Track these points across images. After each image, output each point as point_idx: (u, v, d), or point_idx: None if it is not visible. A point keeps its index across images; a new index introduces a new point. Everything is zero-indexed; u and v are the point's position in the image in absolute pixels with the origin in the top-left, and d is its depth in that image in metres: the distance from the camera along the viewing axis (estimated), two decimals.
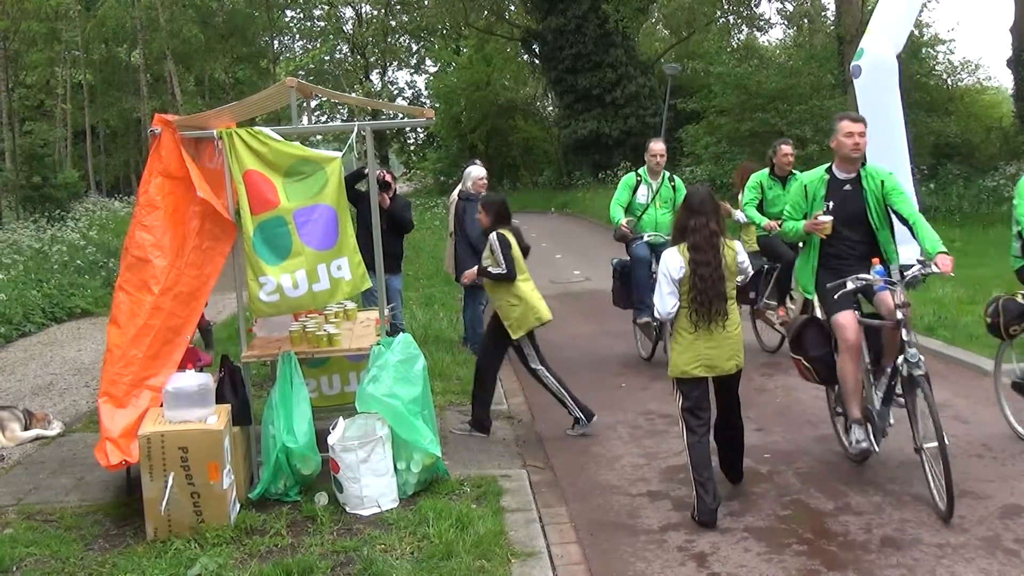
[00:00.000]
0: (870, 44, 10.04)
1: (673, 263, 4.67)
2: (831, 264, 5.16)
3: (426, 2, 37.94)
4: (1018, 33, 18.49)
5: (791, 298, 7.91)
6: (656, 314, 4.92)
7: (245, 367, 5.34)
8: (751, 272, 5.41)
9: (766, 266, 7.96)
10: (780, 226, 5.58)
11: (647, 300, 6.95)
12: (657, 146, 8.00)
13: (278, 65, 36.11)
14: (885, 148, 9.86)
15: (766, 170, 8.00)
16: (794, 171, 7.83)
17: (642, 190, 7.91)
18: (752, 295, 7.76)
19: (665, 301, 4.69)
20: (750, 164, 9.19)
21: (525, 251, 6.23)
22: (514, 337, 5.97)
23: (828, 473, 5.26)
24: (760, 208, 7.85)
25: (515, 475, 5.34)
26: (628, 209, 7.93)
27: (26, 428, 6.33)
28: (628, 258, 7.92)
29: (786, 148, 7.95)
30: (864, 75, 10.02)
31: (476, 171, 8.61)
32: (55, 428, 6.47)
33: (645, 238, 7.76)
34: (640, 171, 8.05)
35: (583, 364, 8.27)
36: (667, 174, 8.03)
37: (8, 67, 22.23)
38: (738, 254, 4.82)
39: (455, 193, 8.88)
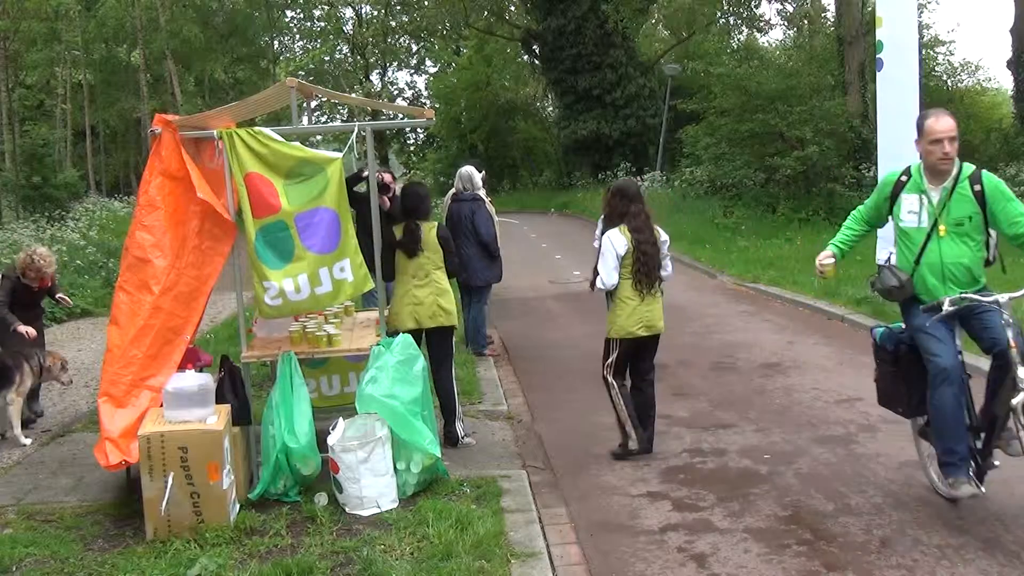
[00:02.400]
0: (886, 35, 9.99)
1: (619, 241, 5.50)
2: None
3: (426, 2, 37.96)
4: (1018, 34, 18.49)
5: None
6: (600, 284, 5.56)
7: (245, 367, 5.34)
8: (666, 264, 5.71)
9: None
10: None
11: (960, 438, 4.34)
12: (941, 124, 4.34)
13: (278, 65, 36.10)
14: (897, 146, 9.86)
15: None
16: None
17: (909, 203, 4.47)
18: None
19: (612, 275, 5.52)
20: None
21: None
22: None
23: (828, 474, 5.25)
24: None
25: (515, 475, 5.33)
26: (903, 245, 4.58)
27: (40, 376, 6.51)
28: (901, 327, 4.70)
29: None
30: (886, 68, 9.98)
31: (473, 172, 8.46)
32: (66, 379, 6.80)
33: (945, 305, 4.27)
34: (912, 168, 4.56)
35: (583, 364, 8.26)
36: (968, 171, 4.41)
37: (8, 67, 22.21)
38: (660, 233, 5.67)
39: (449, 194, 8.79)
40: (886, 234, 9.44)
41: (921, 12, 22.84)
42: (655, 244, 5.58)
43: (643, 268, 5.51)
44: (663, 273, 5.68)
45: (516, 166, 41.23)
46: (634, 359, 5.69)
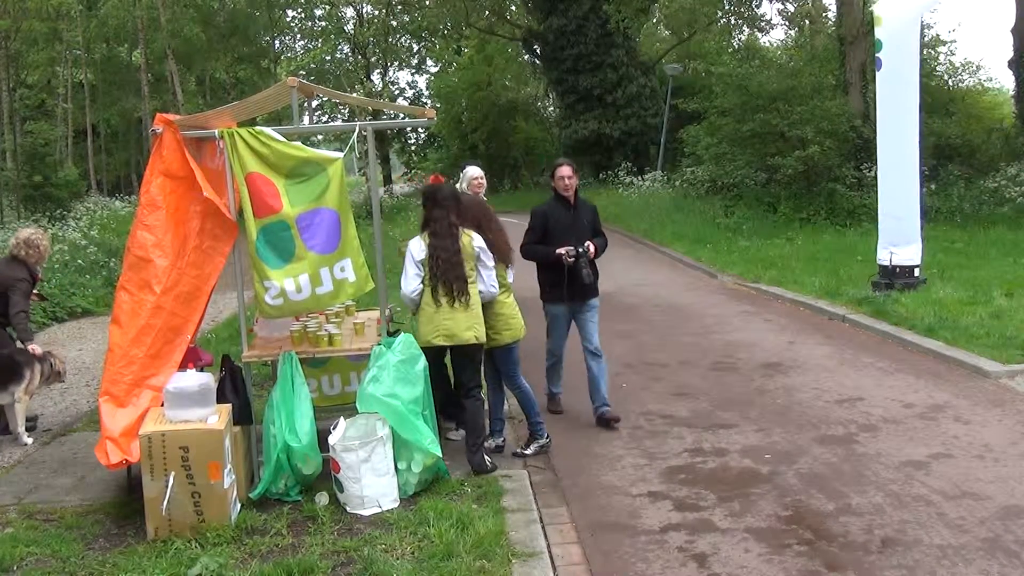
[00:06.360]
0: (885, 34, 9.97)
1: (416, 248, 5.38)
2: None
3: (427, 2, 37.94)
4: (1019, 34, 18.47)
5: None
6: (401, 294, 5.41)
7: (246, 367, 5.35)
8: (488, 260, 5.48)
9: None
10: None
11: None
12: None
13: (279, 65, 36.13)
14: (897, 147, 9.86)
15: None
16: None
17: None
18: None
19: (410, 281, 5.35)
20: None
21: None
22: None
23: (828, 474, 5.25)
24: None
25: (516, 475, 5.34)
26: None
27: (48, 378, 6.47)
28: None
29: None
30: (884, 67, 9.96)
31: (472, 171, 8.32)
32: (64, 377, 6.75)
33: None
34: None
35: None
36: None
37: (9, 67, 22.22)
38: (473, 239, 5.42)
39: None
40: (888, 234, 9.51)
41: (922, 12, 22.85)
42: (456, 252, 5.30)
43: (439, 274, 5.27)
44: (480, 287, 5.41)
45: (517, 166, 41.22)
46: (455, 371, 5.50)
